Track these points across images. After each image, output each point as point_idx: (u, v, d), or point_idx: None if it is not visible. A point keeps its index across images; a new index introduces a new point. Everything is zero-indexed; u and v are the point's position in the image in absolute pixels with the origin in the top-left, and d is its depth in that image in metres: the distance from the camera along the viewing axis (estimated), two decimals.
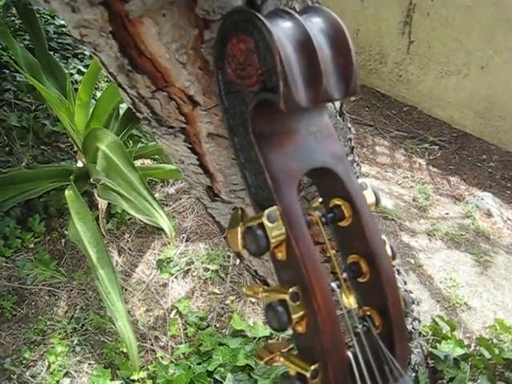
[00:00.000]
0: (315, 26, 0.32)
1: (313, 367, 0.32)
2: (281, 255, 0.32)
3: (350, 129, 0.57)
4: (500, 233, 2.34)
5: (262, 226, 0.31)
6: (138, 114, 0.46)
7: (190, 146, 0.42)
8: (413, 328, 0.90)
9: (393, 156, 2.86)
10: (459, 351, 1.19)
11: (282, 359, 0.35)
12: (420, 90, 3.26)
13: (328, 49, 0.32)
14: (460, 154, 3.01)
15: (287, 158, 0.33)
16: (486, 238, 2.22)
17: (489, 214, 2.46)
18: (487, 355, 1.37)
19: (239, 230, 0.32)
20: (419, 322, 0.98)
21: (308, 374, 0.32)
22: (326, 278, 0.32)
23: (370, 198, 0.37)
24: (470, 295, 1.86)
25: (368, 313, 0.34)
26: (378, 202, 0.38)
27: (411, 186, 2.54)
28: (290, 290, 0.31)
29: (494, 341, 1.58)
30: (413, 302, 0.92)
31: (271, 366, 1.33)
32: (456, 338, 1.25)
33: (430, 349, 1.16)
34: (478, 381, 1.13)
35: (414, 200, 2.40)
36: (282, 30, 0.31)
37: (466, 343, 1.44)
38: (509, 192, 2.77)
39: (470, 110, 3.07)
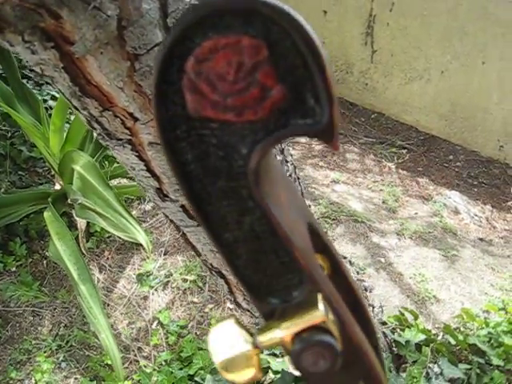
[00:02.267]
0: None
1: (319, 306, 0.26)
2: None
3: None
4: (467, 228, 2.45)
5: (320, 326, 0.23)
6: (94, 131, 0.54)
7: (136, 154, 0.51)
8: None
9: (363, 162, 2.97)
10: (421, 337, 1.28)
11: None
12: (386, 97, 3.39)
13: None
14: (427, 155, 3.14)
15: (294, 221, 0.25)
16: (453, 234, 2.33)
17: (456, 212, 2.58)
18: (452, 342, 1.46)
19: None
20: (373, 307, 1.06)
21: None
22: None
23: None
24: (439, 288, 1.95)
25: None
26: None
27: (381, 190, 2.64)
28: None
29: (462, 329, 1.67)
30: (365, 290, 1.00)
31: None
32: (419, 326, 1.34)
33: (394, 336, 1.24)
34: (439, 362, 1.21)
35: (383, 202, 2.50)
36: None
37: (434, 333, 1.52)
38: (475, 189, 2.90)
39: (435, 113, 3.21)
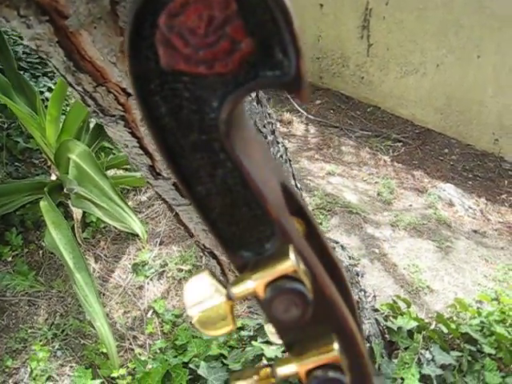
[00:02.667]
0: None
1: (333, 345, 0.27)
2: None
3: (269, 114, 0.66)
4: (461, 220, 2.47)
5: (291, 275, 0.24)
6: (88, 109, 0.55)
7: (129, 130, 0.52)
8: (359, 298, 1.00)
9: (358, 154, 2.98)
10: (413, 324, 1.29)
11: None
12: (382, 91, 3.41)
13: None
14: (423, 149, 3.15)
15: (267, 176, 0.26)
16: (447, 225, 2.35)
17: (450, 204, 2.59)
18: (445, 330, 1.48)
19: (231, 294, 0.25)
20: (365, 292, 1.07)
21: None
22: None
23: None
24: (432, 279, 1.97)
25: None
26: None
27: (376, 182, 2.66)
28: (335, 346, 0.26)
29: (454, 318, 1.69)
30: (357, 275, 1.02)
31: (242, 352, 1.41)
32: (411, 313, 1.35)
33: (386, 323, 1.26)
34: (431, 349, 1.23)
35: (378, 194, 2.52)
36: None
37: (427, 321, 1.54)
38: (470, 182, 2.91)
39: (430, 106, 3.22)
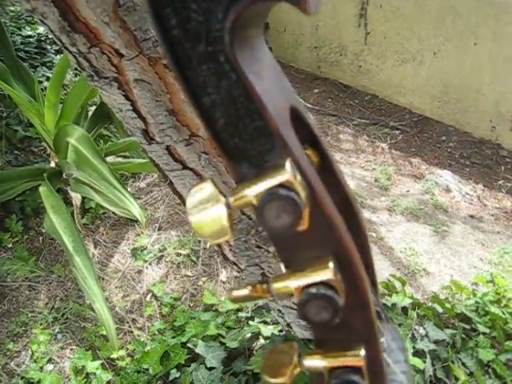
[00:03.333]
0: None
1: (360, 351, 0.28)
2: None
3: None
4: (458, 206, 2.48)
5: (287, 185, 0.25)
6: (83, 73, 0.57)
7: (123, 93, 0.53)
8: None
9: (356, 142, 3.00)
10: (408, 301, 1.31)
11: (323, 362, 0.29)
12: (379, 79, 3.41)
13: None
14: (420, 136, 3.16)
15: (273, 92, 0.27)
16: (444, 210, 2.36)
17: (447, 190, 2.61)
18: (440, 310, 1.49)
19: (230, 202, 0.26)
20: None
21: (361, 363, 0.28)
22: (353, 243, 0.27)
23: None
24: (429, 262, 1.99)
25: None
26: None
27: (373, 169, 2.67)
28: (331, 265, 0.26)
29: (450, 299, 1.70)
30: None
31: (239, 331, 1.43)
32: (406, 292, 1.37)
33: (381, 300, 1.27)
34: (425, 325, 1.25)
35: (375, 180, 2.53)
36: None
37: (422, 302, 1.56)
38: (467, 169, 2.93)
39: (428, 94, 3.23)
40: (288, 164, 0.25)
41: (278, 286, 0.28)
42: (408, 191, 2.49)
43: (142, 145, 0.60)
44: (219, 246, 0.80)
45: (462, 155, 3.03)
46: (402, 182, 2.58)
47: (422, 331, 1.22)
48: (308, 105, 3.34)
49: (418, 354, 1.18)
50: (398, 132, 3.14)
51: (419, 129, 3.21)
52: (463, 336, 1.36)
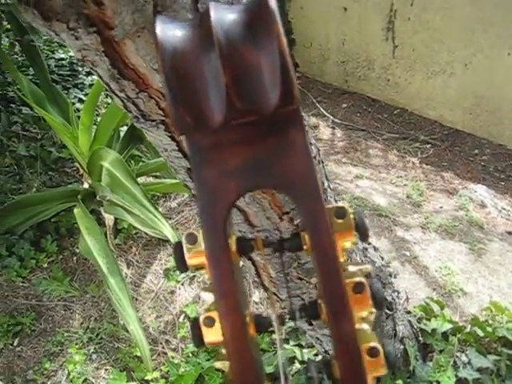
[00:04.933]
0: (231, 19, 0.27)
1: None
2: (208, 276, 0.31)
3: None
4: (494, 222, 2.41)
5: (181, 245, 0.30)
6: (129, 114, 0.57)
7: (169, 134, 0.54)
8: (392, 299, 0.99)
9: (386, 157, 2.96)
10: (448, 326, 1.27)
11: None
12: (408, 92, 3.37)
13: (246, 47, 0.26)
14: (452, 150, 3.10)
15: (226, 175, 0.29)
16: (479, 227, 2.30)
17: (482, 205, 2.55)
18: (481, 333, 1.45)
19: (185, 235, 0.31)
20: (398, 293, 1.07)
21: None
22: (238, 307, 0.30)
23: (344, 227, 0.30)
24: (465, 281, 1.93)
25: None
26: (362, 231, 0.31)
27: (405, 184, 2.63)
28: (206, 314, 0.31)
29: (490, 322, 1.65)
30: (390, 275, 1.01)
31: (275, 355, 1.42)
32: (445, 316, 1.33)
33: (420, 325, 1.24)
34: (467, 352, 1.21)
35: (407, 197, 2.49)
36: (178, 33, 0.27)
37: (461, 325, 1.52)
38: (503, 183, 2.85)
39: (459, 107, 3.17)
40: None
41: None
42: (441, 207, 2.44)
43: (186, 182, 0.60)
44: (259, 276, 0.79)
45: (496, 168, 2.96)
46: (434, 197, 2.54)
47: (464, 358, 1.18)
48: (336, 120, 3.33)
49: (461, 382, 1.14)
50: (428, 146, 3.09)
51: (450, 142, 3.15)
52: (507, 363, 1.31)
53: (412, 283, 1.87)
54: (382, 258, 0.95)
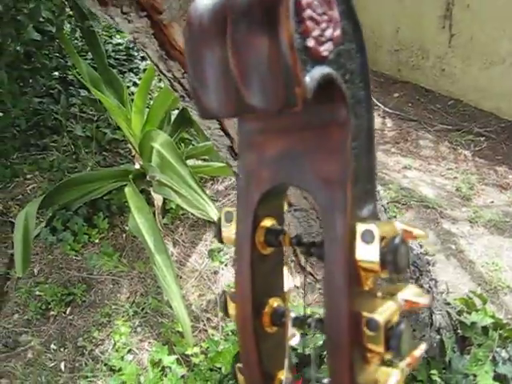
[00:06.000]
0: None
1: None
2: None
3: None
4: None
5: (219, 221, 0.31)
6: (175, 94, 0.61)
7: None
8: (429, 287, 0.99)
9: (437, 149, 2.89)
10: (489, 321, 1.25)
11: None
12: (464, 83, 3.26)
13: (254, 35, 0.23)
14: (508, 143, 2.98)
15: (262, 162, 0.29)
16: None
17: None
18: None
19: (223, 211, 0.31)
20: (436, 282, 1.06)
21: None
22: (250, 298, 0.30)
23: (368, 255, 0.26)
24: None
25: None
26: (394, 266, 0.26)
27: (455, 177, 2.56)
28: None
29: None
30: (428, 263, 1.01)
31: (312, 337, 1.44)
32: (487, 310, 1.31)
33: (459, 317, 1.23)
34: (508, 348, 1.19)
35: (457, 190, 2.43)
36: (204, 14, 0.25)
37: (505, 322, 1.48)
38: None
39: None
40: None
41: None
42: (492, 202, 2.36)
43: (228, 160, 0.63)
44: (296, 255, 0.82)
45: None
46: (485, 192, 2.46)
47: (504, 354, 1.16)
48: (387, 109, 3.27)
49: (499, 378, 1.12)
50: (482, 139, 2.98)
51: (507, 135, 3.03)
52: None
53: (456, 277, 1.84)
54: (421, 246, 0.95)
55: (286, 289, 0.34)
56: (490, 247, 2.01)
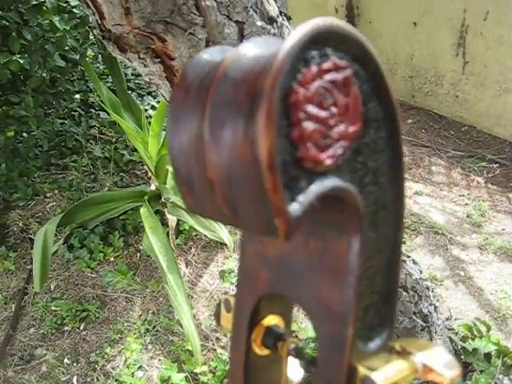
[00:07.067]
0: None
1: None
2: None
3: None
4: None
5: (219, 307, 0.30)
6: None
7: None
8: (429, 311, 1.02)
9: (449, 175, 2.91)
10: (491, 347, 1.26)
11: None
12: (478, 110, 3.29)
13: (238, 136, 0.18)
14: None
15: (262, 262, 0.25)
16: None
17: None
18: None
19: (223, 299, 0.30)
20: (435, 307, 1.08)
21: None
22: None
23: None
24: None
25: None
26: None
27: (466, 204, 2.58)
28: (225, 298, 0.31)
29: None
30: (427, 288, 1.03)
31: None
32: (491, 337, 1.32)
33: (462, 344, 1.24)
34: (511, 376, 1.20)
35: (467, 216, 2.44)
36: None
37: (508, 349, 1.49)
38: None
39: None
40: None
41: None
42: (504, 229, 2.37)
43: None
44: None
45: None
46: (497, 219, 2.46)
47: (506, 382, 1.17)
48: None
49: None
50: (496, 166, 2.99)
51: None
52: None
53: (464, 303, 1.84)
54: (421, 272, 0.98)
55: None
56: (499, 275, 2.02)
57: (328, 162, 0.18)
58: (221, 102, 0.18)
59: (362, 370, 0.21)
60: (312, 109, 0.17)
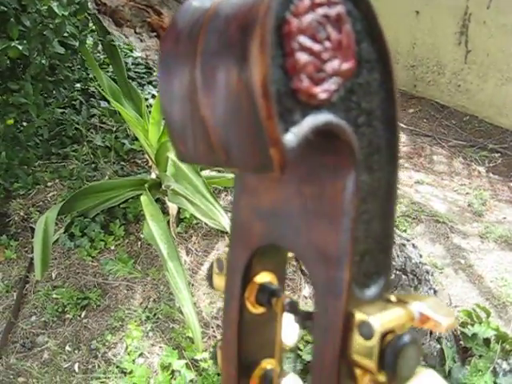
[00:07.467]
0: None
1: None
2: None
3: None
4: None
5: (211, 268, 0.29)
6: None
7: None
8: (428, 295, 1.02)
9: (450, 164, 2.90)
10: (491, 333, 1.26)
11: None
12: (480, 99, 3.27)
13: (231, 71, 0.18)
14: None
15: (255, 214, 0.25)
16: None
17: None
18: None
19: (215, 258, 0.29)
20: (435, 291, 1.08)
21: None
22: (235, 358, 0.28)
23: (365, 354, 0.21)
24: None
25: None
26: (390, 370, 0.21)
27: (467, 193, 2.57)
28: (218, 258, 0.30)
29: None
30: (427, 272, 1.03)
31: None
32: (490, 323, 1.32)
33: (463, 329, 1.25)
34: (510, 361, 1.20)
35: (469, 205, 2.44)
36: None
37: (507, 334, 1.49)
38: None
39: None
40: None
41: None
42: (504, 218, 2.36)
43: None
44: (297, 261, 0.86)
45: None
46: (498, 207, 2.46)
47: (505, 366, 1.17)
48: (402, 125, 3.29)
49: None
50: (497, 155, 2.99)
51: None
52: None
53: (464, 291, 1.84)
54: (421, 256, 0.97)
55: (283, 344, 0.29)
56: (499, 263, 2.02)
57: (322, 95, 0.19)
58: (213, 40, 0.18)
59: (358, 315, 0.21)
60: (305, 40, 0.18)
